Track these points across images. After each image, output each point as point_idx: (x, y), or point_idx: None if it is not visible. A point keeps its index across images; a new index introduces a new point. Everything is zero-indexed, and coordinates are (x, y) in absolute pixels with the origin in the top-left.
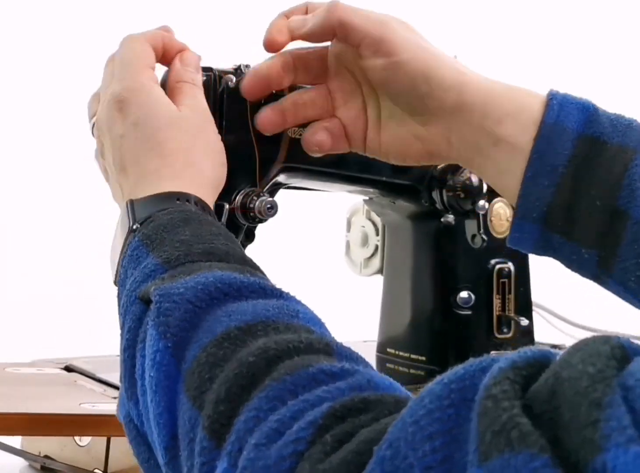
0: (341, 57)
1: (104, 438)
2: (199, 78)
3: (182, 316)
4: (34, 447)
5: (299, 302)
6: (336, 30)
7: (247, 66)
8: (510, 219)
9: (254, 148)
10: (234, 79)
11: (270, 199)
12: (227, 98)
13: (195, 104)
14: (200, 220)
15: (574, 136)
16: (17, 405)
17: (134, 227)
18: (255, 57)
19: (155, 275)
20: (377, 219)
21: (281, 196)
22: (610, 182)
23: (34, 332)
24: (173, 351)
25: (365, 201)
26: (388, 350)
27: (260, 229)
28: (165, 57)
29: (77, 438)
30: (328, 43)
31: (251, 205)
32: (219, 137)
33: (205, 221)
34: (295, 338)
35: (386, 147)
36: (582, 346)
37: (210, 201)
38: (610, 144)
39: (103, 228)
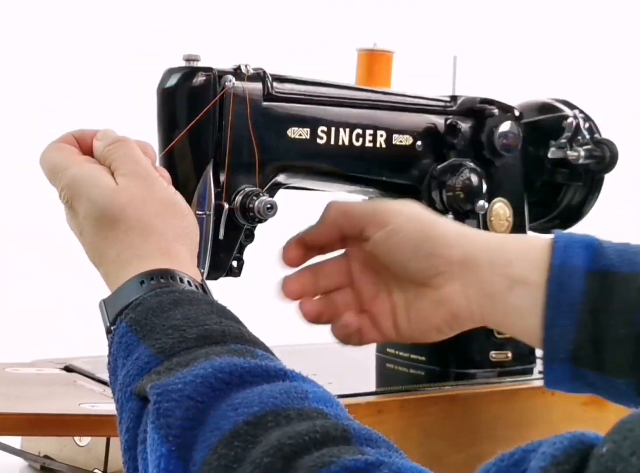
0: (356, 257)
1: (104, 438)
2: (122, 137)
3: (184, 415)
4: (34, 447)
5: (305, 379)
6: (338, 221)
7: (247, 66)
8: (509, 219)
9: (254, 148)
10: (234, 79)
11: (270, 199)
12: (226, 98)
13: (130, 168)
14: (190, 299)
15: (583, 272)
16: (17, 405)
17: (113, 325)
18: (255, 57)
19: (149, 367)
20: None
21: (281, 196)
22: (628, 309)
23: (34, 332)
24: (178, 454)
25: (365, 201)
26: (388, 349)
27: (260, 229)
28: (82, 146)
29: (76, 438)
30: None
31: (251, 205)
32: (170, 188)
33: (195, 300)
34: (310, 427)
35: (417, 326)
36: (626, 432)
37: (191, 257)
38: (621, 274)
39: None
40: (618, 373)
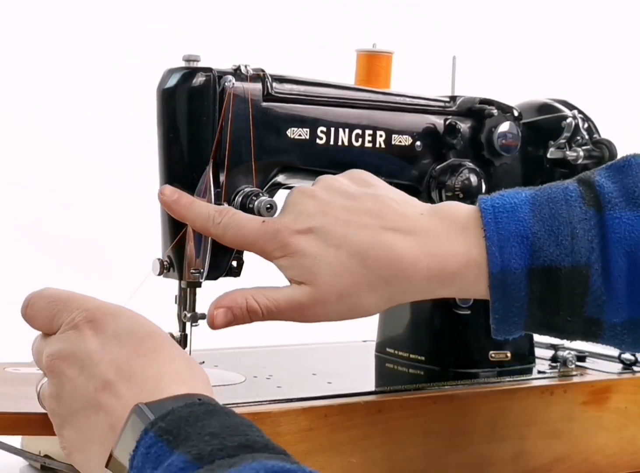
0: None
1: None
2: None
3: None
4: (34, 446)
5: None
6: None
7: (247, 66)
8: None
9: (253, 148)
10: (234, 80)
11: (270, 199)
12: (226, 98)
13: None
14: (226, 412)
15: (524, 273)
16: (17, 405)
17: (148, 424)
18: (255, 57)
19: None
20: None
21: (281, 196)
22: (576, 302)
23: (34, 332)
24: None
25: None
26: (387, 349)
27: None
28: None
29: None
30: None
31: (250, 205)
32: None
33: (231, 413)
34: None
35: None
36: None
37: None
38: (564, 269)
39: (103, 228)
40: (572, 338)
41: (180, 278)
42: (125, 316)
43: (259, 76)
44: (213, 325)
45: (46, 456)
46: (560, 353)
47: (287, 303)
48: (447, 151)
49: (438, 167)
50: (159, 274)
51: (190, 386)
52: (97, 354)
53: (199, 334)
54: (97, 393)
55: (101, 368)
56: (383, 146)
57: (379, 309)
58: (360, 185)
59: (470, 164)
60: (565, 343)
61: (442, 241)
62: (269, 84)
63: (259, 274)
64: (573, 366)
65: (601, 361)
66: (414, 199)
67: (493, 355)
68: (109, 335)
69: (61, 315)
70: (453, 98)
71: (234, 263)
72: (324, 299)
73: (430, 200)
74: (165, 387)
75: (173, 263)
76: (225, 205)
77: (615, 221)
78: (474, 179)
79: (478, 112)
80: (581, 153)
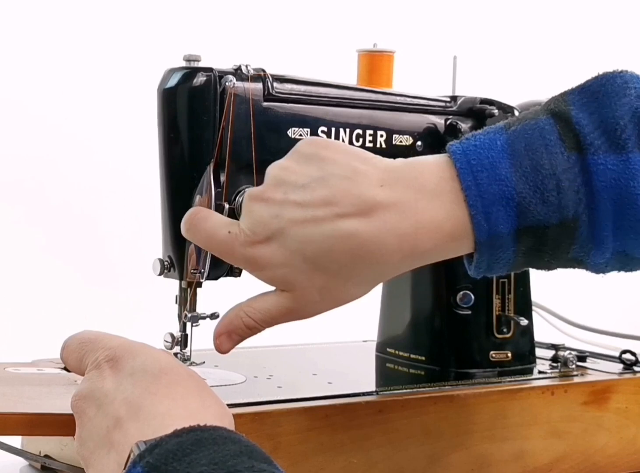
0: None
1: None
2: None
3: None
4: (34, 447)
5: None
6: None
7: (247, 66)
8: None
9: (254, 148)
10: (234, 80)
11: None
12: (227, 98)
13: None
14: (214, 438)
15: (512, 235)
16: (17, 405)
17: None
18: (255, 57)
19: None
20: None
21: None
22: (562, 251)
23: (34, 332)
24: None
25: None
26: (388, 349)
27: None
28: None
29: None
30: None
31: None
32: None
33: (220, 438)
34: None
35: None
36: None
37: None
38: (551, 226)
39: (103, 229)
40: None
41: (181, 278)
42: (143, 353)
43: (259, 76)
44: (222, 351)
45: (46, 456)
46: (560, 353)
47: (278, 311)
48: None
49: None
50: (160, 274)
51: (198, 420)
52: (112, 392)
53: (200, 334)
54: (109, 431)
55: (114, 406)
56: (384, 146)
57: (366, 291)
58: (309, 164)
59: None
60: (566, 343)
61: (410, 215)
62: (269, 84)
63: None
64: (574, 366)
65: (602, 362)
66: (370, 163)
67: (494, 355)
68: (125, 374)
69: (88, 356)
70: (454, 98)
71: None
72: (309, 300)
73: None
74: (171, 424)
75: (173, 263)
76: (226, 205)
77: (599, 168)
78: None
79: (479, 112)
80: None
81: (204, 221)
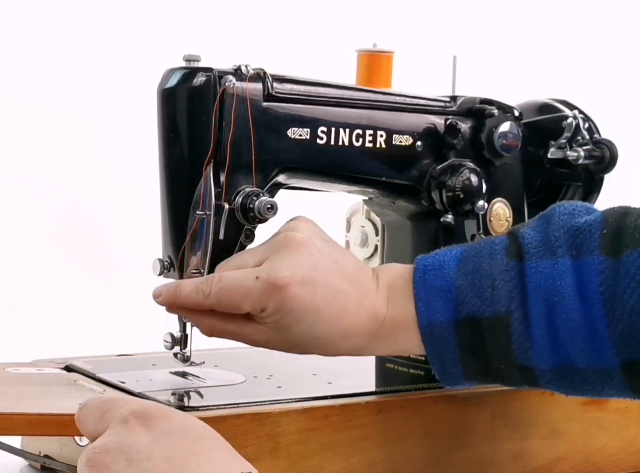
0: None
1: None
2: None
3: None
4: (34, 447)
5: None
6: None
7: (247, 66)
8: (509, 219)
9: (254, 148)
10: (234, 80)
11: (270, 199)
12: (227, 98)
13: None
14: None
15: (451, 325)
16: (17, 405)
17: None
18: (255, 57)
19: None
20: (377, 220)
21: (281, 196)
22: (502, 350)
23: (34, 332)
24: None
25: (365, 201)
26: None
27: (260, 229)
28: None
29: (77, 438)
30: None
31: (251, 205)
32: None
33: None
34: None
35: None
36: None
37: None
38: (484, 318)
39: (104, 229)
40: (517, 385)
41: (181, 278)
42: (178, 416)
43: (259, 76)
44: (158, 301)
45: (46, 456)
46: None
47: (268, 345)
48: (447, 151)
49: (438, 167)
50: (159, 274)
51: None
52: (148, 449)
53: (199, 334)
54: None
55: (152, 463)
56: (383, 146)
57: (353, 354)
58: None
59: (471, 164)
60: None
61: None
62: (269, 84)
63: None
64: None
65: None
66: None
67: None
68: (162, 433)
69: (111, 412)
70: (453, 98)
71: None
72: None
73: (430, 200)
74: None
75: (173, 263)
76: (226, 205)
77: (532, 271)
78: (474, 179)
79: (478, 112)
80: (582, 153)
81: (219, 280)
